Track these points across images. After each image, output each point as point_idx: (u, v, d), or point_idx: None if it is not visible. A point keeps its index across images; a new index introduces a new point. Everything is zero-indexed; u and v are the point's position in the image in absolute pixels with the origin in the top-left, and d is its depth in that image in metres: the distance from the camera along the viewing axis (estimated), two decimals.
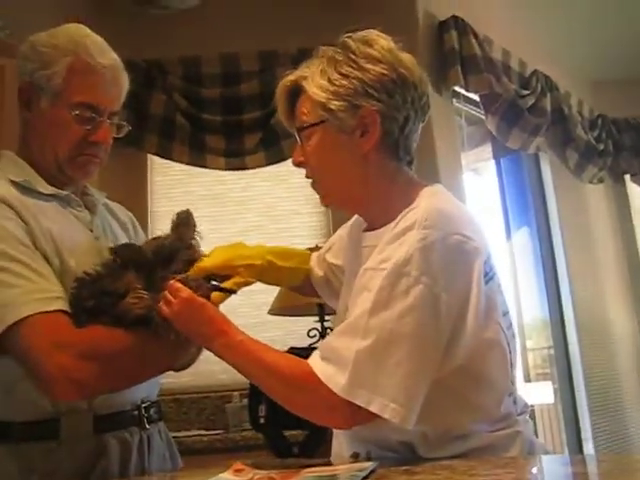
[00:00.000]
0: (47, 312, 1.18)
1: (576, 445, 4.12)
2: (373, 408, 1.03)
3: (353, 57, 1.19)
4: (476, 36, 3.62)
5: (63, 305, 1.21)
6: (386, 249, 1.11)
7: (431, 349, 1.06)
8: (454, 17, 3.56)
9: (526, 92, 4.01)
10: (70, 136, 1.34)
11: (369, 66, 1.18)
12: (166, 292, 1.19)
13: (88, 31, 1.40)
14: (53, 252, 1.27)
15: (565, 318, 4.31)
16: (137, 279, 1.22)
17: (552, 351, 4.34)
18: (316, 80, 1.20)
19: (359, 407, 1.05)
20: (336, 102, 1.18)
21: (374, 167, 1.21)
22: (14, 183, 1.32)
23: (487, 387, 1.14)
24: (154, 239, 1.35)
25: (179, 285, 1.19)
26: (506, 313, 1.20)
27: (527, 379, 4.31)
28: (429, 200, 1.16)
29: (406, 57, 1.23)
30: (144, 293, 1.21)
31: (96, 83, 1.35)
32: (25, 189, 1.33)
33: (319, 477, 0.96)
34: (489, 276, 1.14)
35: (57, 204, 1.37)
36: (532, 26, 4.19)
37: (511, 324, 1.21)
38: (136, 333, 1.20)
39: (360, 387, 1.04)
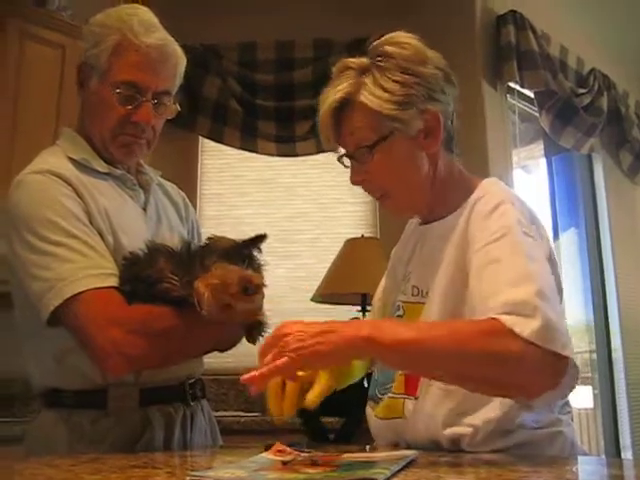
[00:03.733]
0: (101, 288, 1.22)
1: (614, 452, 4.06)
2: (568, 352, 0.99)
3: (401, 62, 1.18)
4: (534, 31, 3.57)
5: (115, 282, 1.25)
6: (484, 227, 1.14)
7: None
8: (512, 12, 3.51)
9: (582, 90, 3.94)
10: (112, 115, 1.35)
11: (419, 69, 1.18)
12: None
13: (140, 10, 1.41)
14: (108, 230, 1.31)
15: (610, 322, 4.24)
16: (167, 265, 1.25)
17: (594, 355, 4.27)
18: (374, 91, 1.18)
19: (554, 357, 0.98)
20: (405, 111, 1.17)
21: (440, 165, 1.24)
22: (72, 160, 1.36)
23: None
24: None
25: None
26: None
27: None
28: (497, 184, 1.24)
29: (434, 53, 1.24)
30: (174, 279, 1.23)
31: (139, 62, 1.35)
32: (82, 167, 1.36)
33: (360, 462, 0.97)
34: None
35: (112, 182, 1.40)
36: (592, 23, 4.10)
37: None
38: (184, 313, 1.23)
39: (554, 331, 0.99)
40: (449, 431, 1.14)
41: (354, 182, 1.27)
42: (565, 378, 1.00)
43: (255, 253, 1.33)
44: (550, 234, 4.28)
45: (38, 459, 1.14)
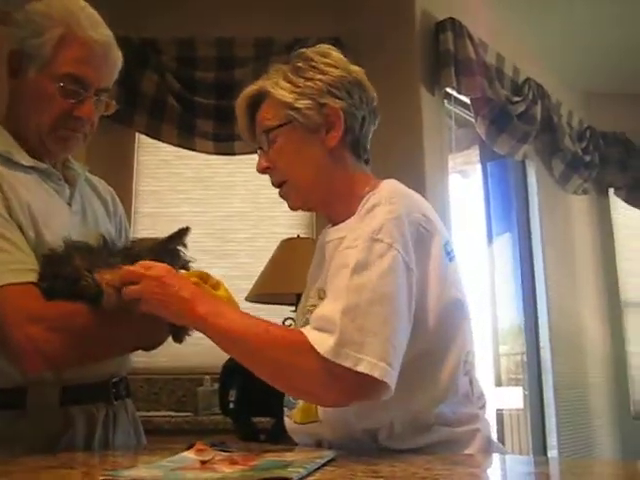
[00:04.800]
0: (20, 283, 1.19)
1: (541, 451, 4.18)
2: (362, 368, 1.03)
3: (313, 64, 1.28)
4: (472, 39, 3.64)
5: (35, 278, 1.22)
6: (357, 228, 1.16)
7: (406, 312, 1.09)
8: (451, 19, 3.57)
9: (517, 99, 4.04)
10: (53, 108, 1.33)
11: (329, 69, 1.27)
12: (132, 270, 1.18)
13: (84, 3, 1.39)
14: (29, 224, 1.27)
15: (539, 324, 4.36)
16: (83, 263, 1.23)
17: (525, 357, 4.38)
18: (281, 84, 1.27)
19: (350, 373, 1.03)
20: (302, 101, 1.25)
21: (339, 163, 1.28)
22: None
23: (449, 356, 1.18)
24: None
25: (150, 262, 1.19)
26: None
27: (498, 383, 4.36)
28: (390, 185, 1.24)
29: (357, 68, 1.32)
30: (89, 276, 1.21)
31: (85, 57, 1.34)
32: (4, 159, 1.32)
33: (278, 461, 0.97)
34: (451, 256, 1.21)
35: (37, 176, 1.36)
36: (528, 33, 4.21)
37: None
38: (104, 311, 1.21)
39: (348, 348, 1.04)
40: (364, 424, 1.16)
41: (258, 169, 1.32)
42: (364, 391, 1.06)
43: (180, 248, 1.32)
44: (484, 238, 4.38)
45: None
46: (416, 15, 3.54)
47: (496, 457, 1.20)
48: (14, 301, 1.18)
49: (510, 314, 4.52)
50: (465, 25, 3.62)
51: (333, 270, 1.17)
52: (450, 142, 3.83)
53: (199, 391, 3.13)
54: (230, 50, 3.49)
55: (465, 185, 4.52)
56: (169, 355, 3.02)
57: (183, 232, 1.32)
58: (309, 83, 1.25)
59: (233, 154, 3.41)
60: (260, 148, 1.32)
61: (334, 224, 1.32)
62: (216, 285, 1.29)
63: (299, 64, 1.28)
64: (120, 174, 3.33)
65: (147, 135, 3.44)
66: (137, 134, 3.50)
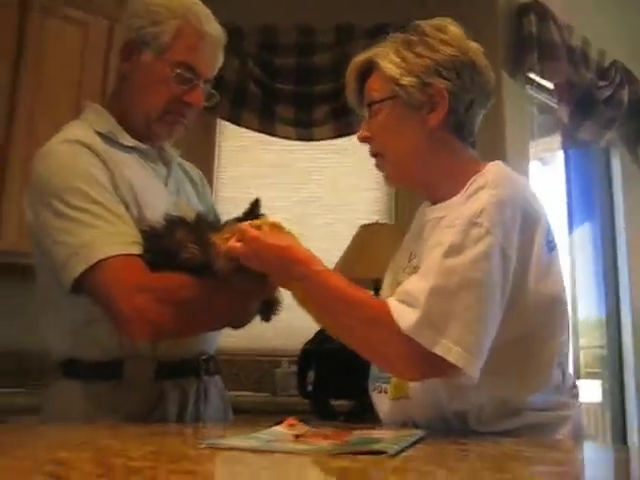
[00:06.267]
0: (126, 255, 1.24)
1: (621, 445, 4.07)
2: (438, 350, 1.05)
3: (426, 39, 1.25)
4: (556, 22, 3.55)
5: (139, 250, 1.27)
6: (459, 208, 1.16)
7: (497, 300, 1.09)
8: (535, 1, 3.49)
9: (603, 83, 3.91)
10: (166, 92, 1.40)
11: (441, 47, 1.24)
12: (235, 233, 1.21)
13: (197, 0, 1.45)
14: (132, 201, 1.33)
15: (621, 318, 4.24)
16: (187, 236, 1.27)
17: (604, 350, 4.27)
18: (390, 57, 1.26)
19: (427, 352, 1.06)
20: (408, 78, 1.23)
21: (439, 143, 1.27)
22: (98, 133, 1.38)
23: (544, 347, 1.17)
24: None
25: (247, 226, 1.21)
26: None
27: (577, 376, 4.27)
28: (497, 168, 1.23)
29: (474, 45, 1.29)
30: (194, 247, 1.25)
31: (200, 48, 1.41)
32: (108, 139, 1.39)
33: (369, 438, 0.99)
34: (551, 245, 1.20)
35: (137, 156, 1.43)
36: (615, 16, 4.07)
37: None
38: (206, 283, 1.25)
39: (427, 328, 1.06)
40: (454, 406, 1.17)
41: (358, 137, 1.33)
42: (437, 372, 1.08)
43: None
44: (564, 227, 4.28)
45: (57, 425, 1.17)
46: None
47: (587, 444, 1.19)
48: (121, 271, 1.23)
49: (589, 306, 4.41)
50: (549, 8, 3.53)
51: (429, 246, 1.18)
52: (531, 128, 3.75)
53: (277, 373, 3.19)
54: (311, 36, 3.51)
55: (545, 172, 4.42)
56: (248, 337, 3.08)
57: (256, 203, 1.35)
58: (418, 60, 1.24)
59: (313, 140, 3.44)
60: (364, 117, 1.33)
61: (433, 203, 1.32)
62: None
63: (413, 37, 1.26)
64: (203, 159, 3.40)
65: (228, 121, 3.50)
66: (218, 120, 3.57)
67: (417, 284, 1.12)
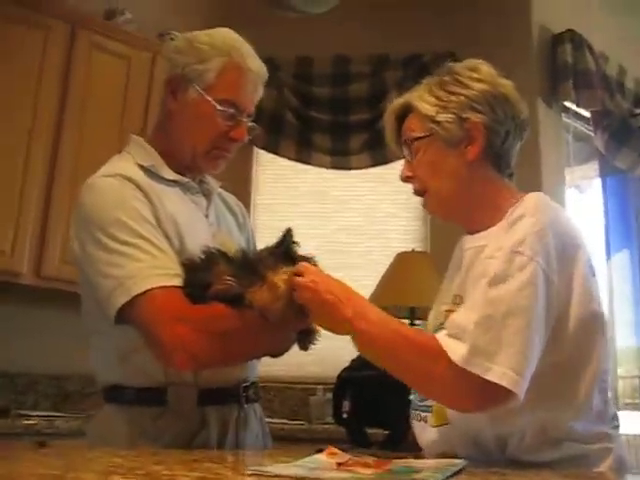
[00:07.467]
0: (168, 287, 1.27)
1: None
2: (491, 376, 1.06)
3: (459, 78, 1.30)
4: (591, 51, 3.55)
5: (180, 282, 1.30)
6: (500, 239, 1.18)
7: (543, 326, 1.11)
8: (570, 30, 3.50)
9: (639, 111, 3.89)
10: (212, 129, 1.44)
11: (474, 84, 1.28)
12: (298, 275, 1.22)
13: (239, 37, 1.49)
14: (174, 233, 1.37)
15: None
16: (225, 269, 1.29)
17: None
18: (425, 97, 1.30)
19: (480, 380, 1.07)
20: (444, 114, 1.27)
21: (479, 176, 1.29)
22: (141, 167, 1.43)
23: (586, 371, 1.18)
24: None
25: (314, 268, 1.24)
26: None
27: (616, 406, 4.18)
28: (535, 197, 1.24)
29: (506, 81, 1.32)
30: (231, 280, 1.27)
31: (243, 84, 1.45)
32: (151, 173, 1.43)
33: (410, 467, 0.99)
34: (593, 271, 1.22)
35: (178, 189, 1.46)
36: None
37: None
38: (244, 314, 1.27)
39: (479, 356, 1.08)
40: (495, 430, 1.17)
41: (401, 178, 1.36)
42: (492, 399, 1.09)
43: (294, 248, 1.36)
44: (602, 255, 4.23)
45: (104, 449, 1.20)
46: (532, 28, 3.51)
47: (630, 477, 1.18)
48: (161, 303, 1.26)
49: (628, 334, 4.33)
50: (584, 36, 3.53)
51: (473, 279, 1.21)
52: (567, 156, 3.74)
53: (312, 400, 3.20)
54: (346, 67, 3.57)
55: (582, 200, 4.39)
56: (283, 364, 3.10)
57: (288, 233, 1.35)
58: (452, 97, 1.28)
59: (349, 168, 3.48)
60: (405, 158, 1.36)
61: (472, 233, 1.33)
62: None
63: (445, 78, 1.31)
64: (239, 187, 3.45)
65: (265, 150, 3.56)
66: (255, 149, 3.63)
67: (465, 316, 1.14)
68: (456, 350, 1.10)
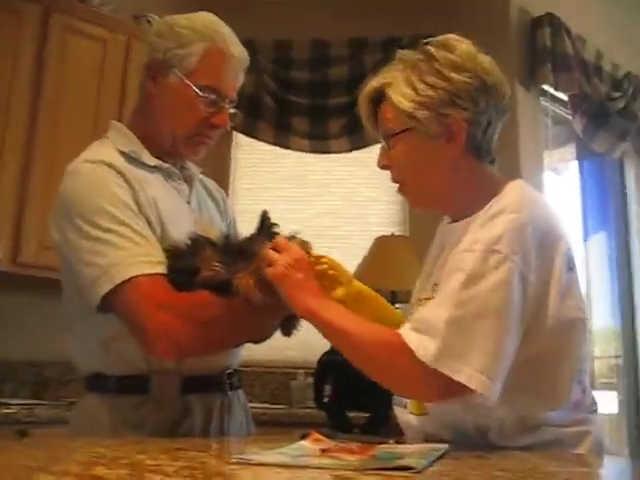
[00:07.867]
0: (151, 274, 1.26)
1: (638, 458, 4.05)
2: (460, 378, 1.06)
3: (437, 66, 1.22)
4: (569, 35, 3.57)
5: (164, 270, 1.29)
6: (477, 232, 1.16)
7: (516, 326, 1.10)
8: (549, 14, 3.51)
9: (617, 94, 3.93)
10: (193, 115, 1.41)
11: (453, 75, 1.21)
12: (270, 251, 1.23)
13: (220, 20, 1.47)
14: (156, 220, 1.35)
15: (637, 328, 4.22)
16: (212, 256, 1.29)
17: (620, 361, 4.26)
18: (401, 88, 1.23)
19: (447, 379, 1.08)
20: (422, 112, 1.21)
21: (460, 167, 1.26)
22: (122, 153, 1.41)
23: (564, 365, 1.18)
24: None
25: (287, 244, 1.25)
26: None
27: (592, 387, 4.24)
28: (517, 189, 1.23)
29: (486, 60, 1.25)
30: (218, 266, 1.27)
31: (224, 70, 1.42)
32: (131, 159, 1.41)
33: (394, 453, 1.00)
34: (570, 266, 1.20)
35: (160, 175, 1.45)
36: (628, 27, 4.08)
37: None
38: (229, 301, 1.27)
39: (449, 357, 1.08)
40: (475, 421, 1.19)
41: (379, 165, 1.33)
42: (460, 396, 1.09)
43: (275, 229, 1.36)
44: (579, 236, 4.28)
45: (87, 439, 1.19)
46: (511, 11, 3.51)
47: (608, 458, 1.20)
48: (145, 291, 1.25)
49: (604, 315, 4.40)
50: (563, 20, 3.55)
51: (447, 270, 1.19)
52: (545, 139, 3.76)
53: (293, 385, 3.21)
54: (325, 50, 3.55)
55: (559, 182, 4.43)
56: (264, 349, 3.09)
57: (265, 215, 1.36)
58: (430, 92, 1.21)
59: (328, 152, 3.47)
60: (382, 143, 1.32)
61: (453, 220, 1.32)
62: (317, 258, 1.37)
63: (421, 64, 1.23)
64: (218, 172, 3.43)
65: (244, 134, 3.54)
66: (234, 132, 3.60)
67: (435, 312, 1.13)
68: (424, 347, 1.09)
